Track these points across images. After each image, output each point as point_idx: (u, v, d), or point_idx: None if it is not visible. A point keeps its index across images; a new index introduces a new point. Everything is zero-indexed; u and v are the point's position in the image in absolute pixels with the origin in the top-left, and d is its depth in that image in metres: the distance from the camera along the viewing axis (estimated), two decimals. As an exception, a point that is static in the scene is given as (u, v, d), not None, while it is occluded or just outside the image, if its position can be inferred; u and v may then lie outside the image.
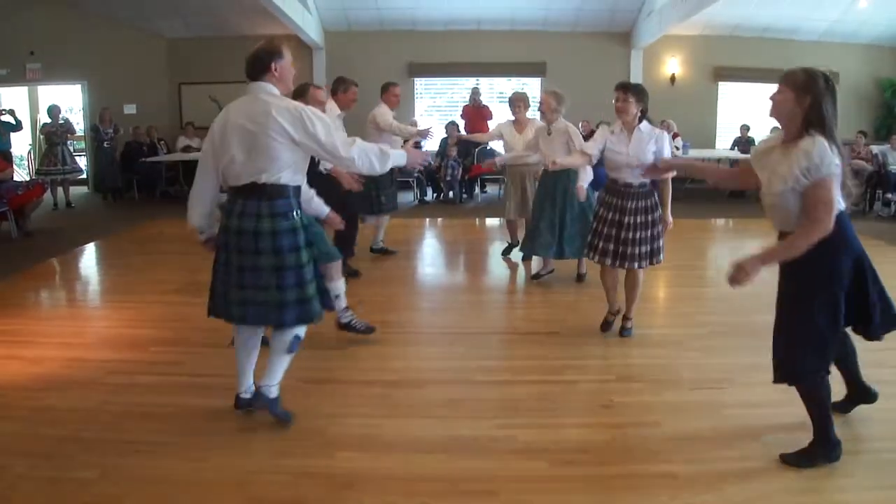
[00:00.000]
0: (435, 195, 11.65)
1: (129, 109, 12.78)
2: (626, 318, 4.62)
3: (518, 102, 6.43)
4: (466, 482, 2.83)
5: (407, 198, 11.35)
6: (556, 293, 5.57)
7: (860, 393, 3.36)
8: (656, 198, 4.42)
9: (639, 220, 4.37)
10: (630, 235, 4.37)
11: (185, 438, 3.19)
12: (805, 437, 3.11)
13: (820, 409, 2.96)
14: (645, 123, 4.36)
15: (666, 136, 4.40)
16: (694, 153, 11.37)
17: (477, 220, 9.90)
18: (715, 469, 2.93)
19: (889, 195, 9.80)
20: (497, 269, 6.94)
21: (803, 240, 2.71)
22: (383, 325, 4.99)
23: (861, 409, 3.45)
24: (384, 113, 6.64)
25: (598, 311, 5.00)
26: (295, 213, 3.06)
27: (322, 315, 3.21)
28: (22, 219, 8.31)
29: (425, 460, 3.01)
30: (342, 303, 4.41)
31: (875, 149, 10.28)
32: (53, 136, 10.54)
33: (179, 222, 9.65)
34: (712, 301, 5.53)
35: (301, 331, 3.23)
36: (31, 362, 4.15)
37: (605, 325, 4.70)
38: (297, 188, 3.12)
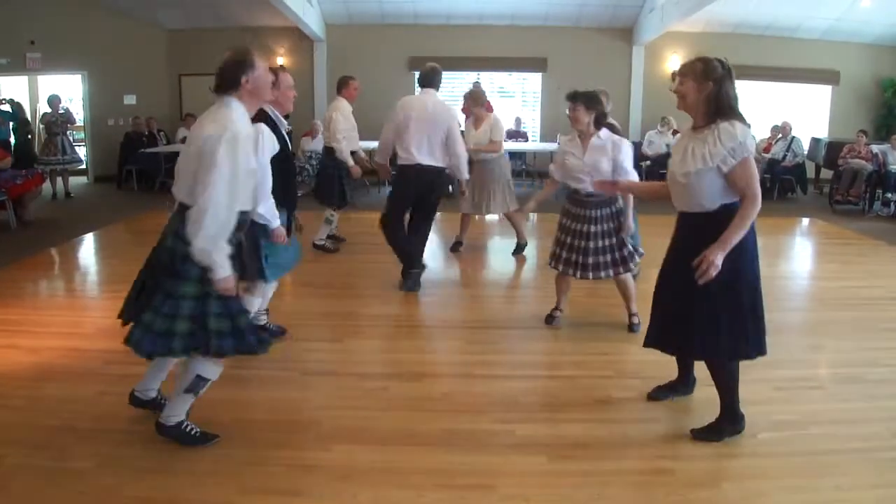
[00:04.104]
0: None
1: (129, 100, 12.74)
2: (630, 314, 4.62)
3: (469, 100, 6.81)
4: (464, 476, 2.83)
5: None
6: (554, 288, 5.55)
7: (688, 385, 3.56)
8: (620, 204, 4.41)
9: (602, 228, 4.38)
10: (592, 245, 4.38)
11: (182, 429, 3.19)
12: (799, 435, 3.13)
13: (733, 385, 3.12)
14: (604, 131, 4.34)
15: (624, 144, 4.33)
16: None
17: (476, 214, 9.87)
18: (712, 466, 2.93)
19: (889, 195, 9.78)
20: (496, 263, 6.94)
21: (748, 217, 2.85)
22: (382, 318, 4.99)
23: (858, 409, 3.47)
24: (342, 109, 6.68)
25: (598, 307, 5.01)
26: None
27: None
28: (21, 208, 8.27)
29: (422, 454, 3.01)
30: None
31: (875, 148, 10.27)
32: (53, 125, 10.49)
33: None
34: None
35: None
36: (28, 352, 4.14)
37: (549, 319, 4.74)
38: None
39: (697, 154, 2.88)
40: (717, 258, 2.81)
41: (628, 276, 4.52)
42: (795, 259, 7.63)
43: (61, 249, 7.26)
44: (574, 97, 4.36)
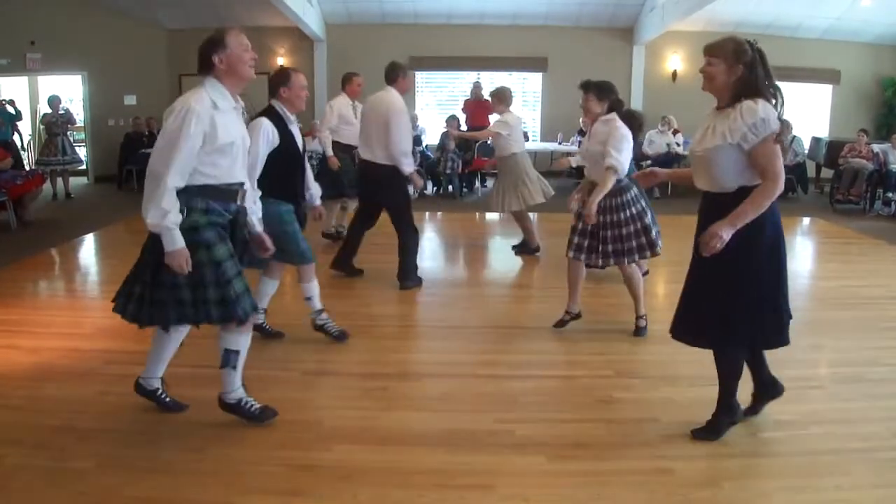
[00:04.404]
0: (435, 189, 11.64)
1: (130, 100, 12.75)
2: (637, 317, 4.54)
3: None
4: (464, 476, 2.83)
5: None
6: (555, 288, 5.55)
7: (767, 386, 3.28)
8: (630, 195, 4.34)
9: (605, 218, 4.31)
10: (610, 233, 4.33)
11: (182, 429, 3.19)
12: (800, 434, 3.13)
13: (734, 377, 3.07)
14: (610, 115, 4.32)
15: (618, 127, 4.25)
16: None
17: (477, 214, 9.88)
18: (713, 466, 2.93)
19: (889, 194, 9.78)
20: (496, 263, 6.93)
21: (766, 196, 2.78)
22: (382, 318, 4.99)
23: (858, 408, 3.46)
24: (334, 104, 6.93)
25: (599, 307, 5.00)
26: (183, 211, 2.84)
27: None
28: (21, 209, 8.29)
29: (422, 454, 3.01)
30: (316, 304, 4.31)
31: (876, 147, 10.26)
32: (54, 126, 10.51)
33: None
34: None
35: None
36: (28, 352, 4.14)
37: (560, 323, 4.61)
38: (196, 187, 2.85)
39: (718, 131, 2.81)
40: (723, 231, 2.75)
41: (635, 270, 4.46)
42: (796, 258, 7.60)
43: (61, 250, 7.26)
44: (586, 86, 4.34)
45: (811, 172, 11.82)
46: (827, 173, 11.52)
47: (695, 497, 2.69)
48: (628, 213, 4.33)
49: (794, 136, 11.08)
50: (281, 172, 3.78)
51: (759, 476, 2.84)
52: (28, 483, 2.74)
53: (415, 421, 3.33)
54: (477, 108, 11.46)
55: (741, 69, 2.78)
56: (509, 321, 4.97)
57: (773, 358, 4.03)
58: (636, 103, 12.61)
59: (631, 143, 4.31)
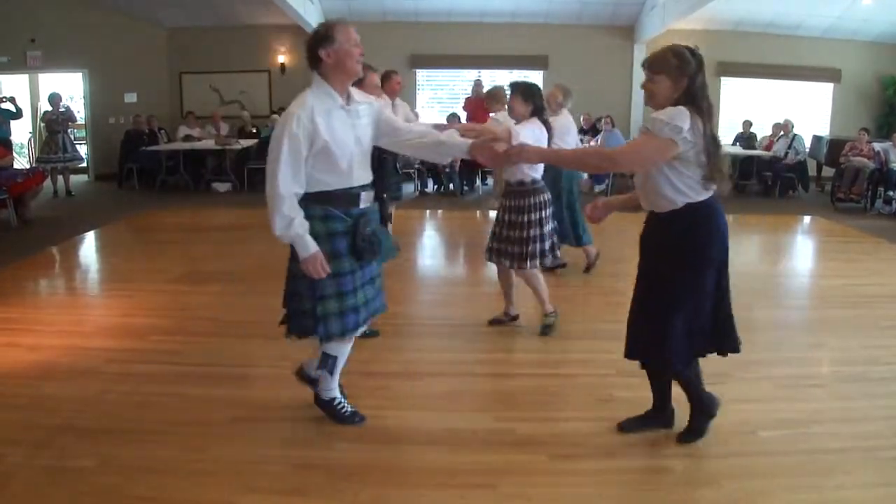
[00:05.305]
0: (436, 187, 11.63)
1: (130, 98, 12.74)
2: (544, 314, 4.57)
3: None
4: (465, 475, 2.83)
5: (408, 189, 11.33)
6: (555, 287, 5.55)
7: (663, 415, 3.19)
8: (540, 199, 4.35)
9: (512, 217, 4.36)
10: (504, 233, 4.40)
11: (183, 428, 3.19)
12: (801, 433, 3.12)
13: (695, 385, 3.01)
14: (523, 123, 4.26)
15: (522, 127, 4.16)
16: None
17: (478, 212, 9.88)
18: (713, 464, 2.92)
19: (890, 193, 9.76)
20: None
21: (597, 156, 2.86)
22: (383, 316, 4.96)
23: (859, 407, 3.46)
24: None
25: (599, 306, 5.00)
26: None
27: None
28: (21, 207, 8.28)
29: (424, 452, 3.01)
30: None
31: (877, 146, 10.25)
32: (54, 123, 10.50)
33: (180, 211, 9.71)
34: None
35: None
36: (29, 350, 4.14)
37: (495, 322, 4.71)
38: (312, 194, 2.84)
39: None
40: (530, 153, 2.92)
41: (530, 273, 4.47)
42: (797, 257, 7.62)
43: (62, 248, 7.25)
44: (514, 86, 4.35)
45: (812, 171, 11.80)
46: (828, 172, 11.51)
47: (695, 496, 2.69)
48: (535, 217, 4.32)
49: (795, 135, 11.09)
50: None
51: (759, 475, 2.83)
52: (29, 482, 2.73)
53: (416, 420, 3.32)
54: (478, 106, 11.44)
55: (685, 82, 2.66)
56: (510, 320, 4.96)
57: (775, 357, 4.05)
58: (637, 102, 12.61)
59: (539, 137, 4.18)
